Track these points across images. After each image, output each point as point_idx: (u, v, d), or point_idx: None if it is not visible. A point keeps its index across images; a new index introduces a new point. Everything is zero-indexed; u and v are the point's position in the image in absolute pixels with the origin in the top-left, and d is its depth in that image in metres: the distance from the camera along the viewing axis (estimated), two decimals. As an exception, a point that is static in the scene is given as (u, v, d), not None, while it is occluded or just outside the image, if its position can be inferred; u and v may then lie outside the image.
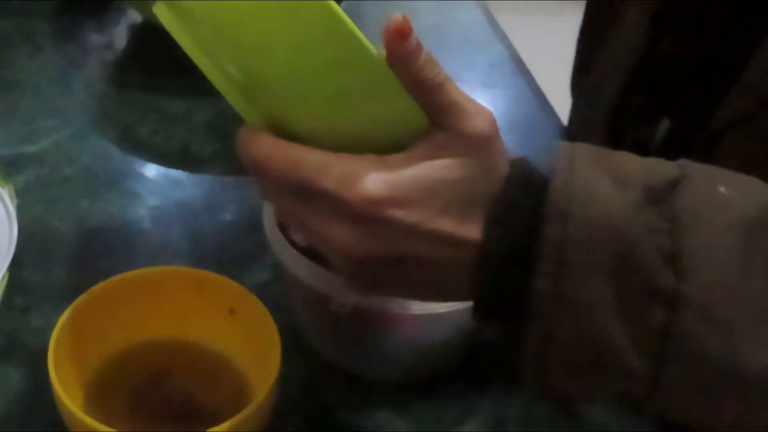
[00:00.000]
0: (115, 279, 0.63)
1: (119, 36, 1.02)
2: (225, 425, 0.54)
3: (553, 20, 2.41)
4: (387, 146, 0.46)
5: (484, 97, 0.98)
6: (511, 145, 0.92)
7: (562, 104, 0.96)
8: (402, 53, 0.44)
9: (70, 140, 0.86)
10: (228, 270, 0.65)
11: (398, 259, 0.46)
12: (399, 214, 0.44)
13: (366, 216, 0.44)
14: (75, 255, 0.74)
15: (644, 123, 0.74)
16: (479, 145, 0.46)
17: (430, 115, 0.46)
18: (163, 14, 0.48)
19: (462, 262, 0.46)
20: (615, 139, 0.78)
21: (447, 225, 0.45)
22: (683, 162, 0.46)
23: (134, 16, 1.03)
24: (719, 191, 0.44)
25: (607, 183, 0.44)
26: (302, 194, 0.46)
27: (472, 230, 0.45)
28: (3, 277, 0.65)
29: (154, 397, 0.62)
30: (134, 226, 0.78)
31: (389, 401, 0.65)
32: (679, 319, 0.42)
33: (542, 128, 0.94)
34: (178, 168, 0.84)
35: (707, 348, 0.43)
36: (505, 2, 0.93)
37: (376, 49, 0.44)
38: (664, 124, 0.72)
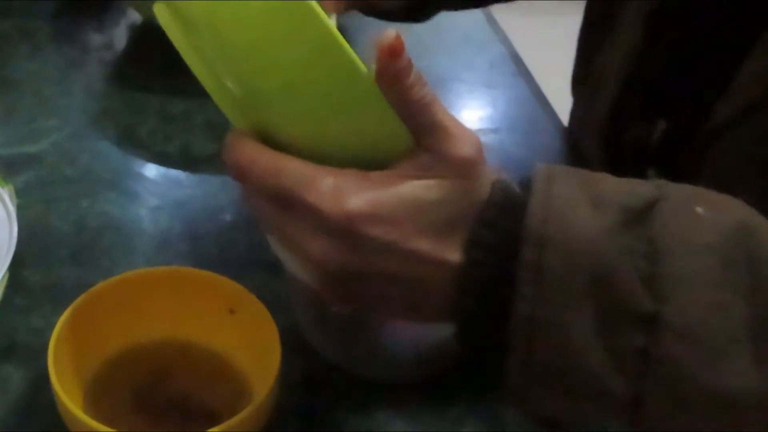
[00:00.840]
0: (115, 279, 0.63)
1: (119, 36, 1.02)
2: (225, 425, 0.54)
3: (553, 20, 2.41)
4: (370, 163, 0.46)
5: (484, 97, 0.98)
6: (511, 145, 0.93)
7: (562, 104, 0.96)
8: (391, 72, 0.44)
9: (70, 140, 0.86)
10: (228, 270, 0.65)
11: (373, 275, 0.46)
12: (377, 231, 0.44)
13: (344, 231, 0.44)
14: (75, 255, 0.74)
15: (641, 124, 0.74)
16: (463, 168, 0.45)
17: (415, 134, 0.46)
18: (162, 14, 0.48)
19: (438, 284, 0.46)
20: (613, 140, 0.78)
21: (425, 245, 0.45)
22: (660, 182, 0.46)
23: (134, 16, 1.03)
24: (696, 212, 0.44)
25: (584, 205, 0.43)
26: (281, 203, 0.46)
27: (450, 252, 0.45)
28: (3, 277, 0.65)
29: (154, 397, 0.62)
30: (134, 226, 0.78)
31: (389, 401, 0.65)
32: (659, 342, 0.42)
33: (542, 128, 0.94)
34: (178, 168, 0.84)
35: (688, 370, 0.43)
36: (506, 2, 0.93)
37: (366, 67, 0.44)
38: (661, 125, 0.72)
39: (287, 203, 0.45)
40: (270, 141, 0.48)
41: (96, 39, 1.01)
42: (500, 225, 0.45)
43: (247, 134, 0.47)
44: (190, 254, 0.75)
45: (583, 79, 0.87)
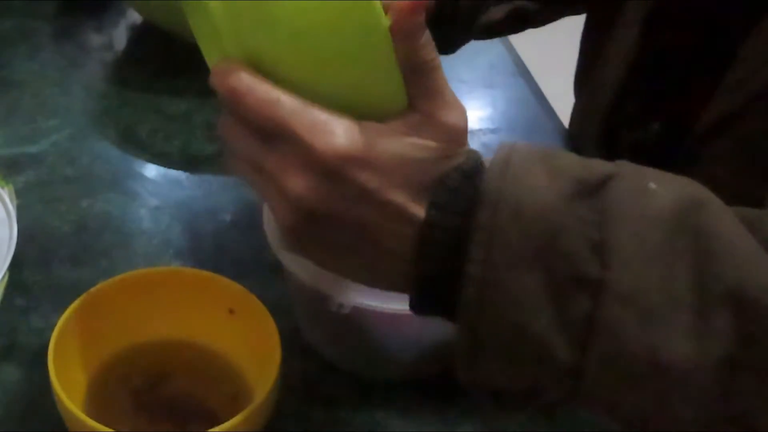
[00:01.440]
0: (115, 279, 0.63)
1: (119, 36, 1.02)
2: (225, 425, 0.54)
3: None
4: (362, 118, 0.46)
5: (484, 97, 0.98)
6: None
7: (562, 104, 0.96)
8: (408, 27, 0.45)
9: (70, 140, 0.86)
10: (228, 270, 0.65)
11: (345, 220, 0.46)
12: (363, 176, 0.45)
13: (331, 169, 0.45)
14: (75, 255, 0.74)
15: (637, 127, 0.75)
16: (450, 135, 0.47)
17: (413, 95, 0.47)
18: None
19: (402, 241, 0.46)
20: (610, 143, 0.78)
21: (400, 198, 0.46)
22: (621, 162, 0.47)
23: (134, 16, 1.03)
24: (649, 187, 0.45)
25: (540, 175, 0.45)
26: (269, 135, 0.46)
27: (419, 209, 0.46)
28: (3, 277, 0.65)
29: (154, 397, 0.62)
30: (134, 226, 0.78)
31: (389, 401, 0.65)
32: (603, 307, 0.43)
33: (542, 128, 0.94)
34: (178, 168, 0.85)
35: (627, 335, 0.43)
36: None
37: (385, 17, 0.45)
38: (654, 128, 0.73)
39: (275, 136, 0.45)
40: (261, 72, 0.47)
41: (96, 39, 1.01)
42: (462, 190, 0.46)
43: (242, 63, 0.46)
44: (190, 254, 0.76)
45: (584, 79, 0.87)
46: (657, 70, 0.73)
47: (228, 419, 0.54)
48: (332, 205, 0.46)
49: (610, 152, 0.80)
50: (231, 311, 0.63)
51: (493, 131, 0.92)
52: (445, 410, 0.65)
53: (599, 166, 0.46)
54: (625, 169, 0.46)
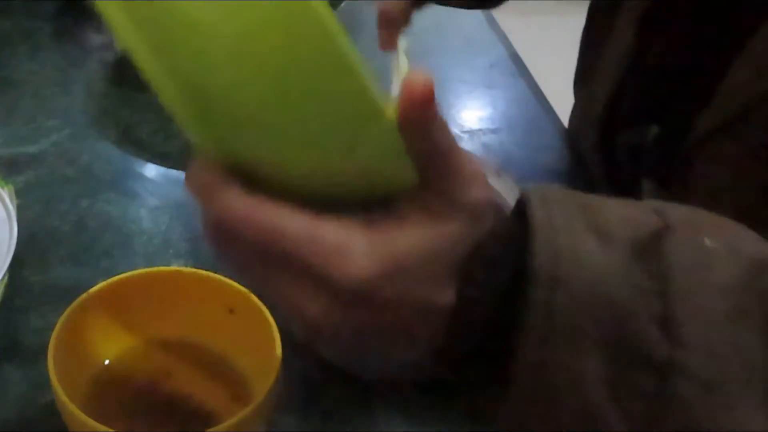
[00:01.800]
0: (115, 279, 0.63)
1: (119, 36, 1.02)
2: (225, 425, 0.54)
3: (553, 20, 2.41)
4: (367, 197, 0.42)
5: (484, 97, 0.98)
6: (511, 145, 0.92)
7: (562, 104, 0.96)
8: (417, 121, 0.40)
9: (70, 140, 0.86)
10: (228, 270, 0.65)
11: (368, 327, 0.43)
12: (386, 290, 0.41)
13: (349, 295, 0.40)
14: (75, 255, 0.74)
15: (634, 128, 0.74)
16: (474, 212, 0.42)
17: (427, 177, 0.42)
18: (113, 13, 0.38)
19: (434, 327, 0.43)
20: (608, 143, 0.78)
21: (428, 291, 0.42)
22: (657, 206, 0.44)
23: (134, 16, 1.03)
24: (705, 245, 0.42)
25: (589, 239, 0.41)
26: (276, 263, 0.41)
27: (449, 293, 0.42)
28: (3, 277, 0.65)
29: (154, 397, 0.62)
30: (134, 226, 0.78)
31: (389, 401, 0.65)
32: (672, 385, 0.41)
33: (542, 128, 0.94)
34: (178, 168, 0.85)
35: (700, 414, 0.41)
36: (505, 2, 0.92)
37: (387, 103, 0.39)
38: (653, 131, 0.72)
39: (284, 264, 0.41)
40: (242, 167, 0.40)
41: (96, 39, 1.01)
42: (499, 262, 0.42)
43: (228, 176, 0.40)
44: (190, 254, 0.75)
45: (583, 80, 0.87)
46: (653, 72, 0.73)
47: (228, 419, 0.54)
48: (354, 322, 0.42)
49: (607, 154, 0.80)
50: (231, 311, 0.63)
51: (493, 131, 0.92)
52: (446, 410, 0.65)
53: (645, 218, 0.43)
54: (671, 218, 0.43)
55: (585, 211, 0.42)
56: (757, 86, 0.62)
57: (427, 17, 1.09)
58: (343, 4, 0.94)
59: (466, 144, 0.89)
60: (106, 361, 0.63)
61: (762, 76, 0.62)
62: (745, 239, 0.44)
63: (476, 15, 1.09)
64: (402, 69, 0.80)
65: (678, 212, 0.44)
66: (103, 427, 0.53)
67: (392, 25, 0.80)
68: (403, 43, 0.81)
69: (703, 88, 0.66)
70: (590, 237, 0.41)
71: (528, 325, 0.41)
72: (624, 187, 0.76)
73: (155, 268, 0.64)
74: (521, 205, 0.43)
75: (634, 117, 0.75)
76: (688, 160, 0.66)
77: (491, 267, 0.42)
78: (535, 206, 0.42)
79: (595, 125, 0.79)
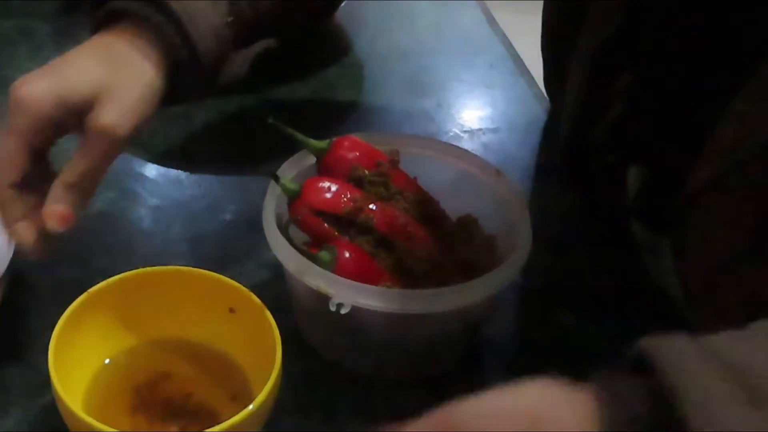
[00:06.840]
0: (115, 279, 0.63)
1: (119, 36, 1.02)
2: (225, 425, 0.54)
3: (553, 20, 2.40)
4: None
5: (484, 97, 0.98)
6: (511, 145, 0.92)
7: (562, 104, 0.96)
8: None
9: (70, 140, 0.86)
10: (228, 270, 0.65)
11: None
12: None
13: None
14: (75, 255, 0.74)
15: (604, 157, 0.73)
16: None
17: None
18: None
19: None
20: (577, 162, 0.77)
21: None
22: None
23: (134, 16, 1.03)
24: None
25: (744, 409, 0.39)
26: None
27: None
28: (3, 277, 0.65)
29: (155, 396, 0.62)
30: (134, 226, 0.78)
31: (389, 401, 0.65)
32: None
33: (542, 128, 0.94)
34: (178, 168, 0.85)
35: None
36: (505, 2, 0.92)
37: None
38: (639, 171, 0.71)
39: None
40: None
41: (96, 39, 1.01)
42: None
43: None
44: (190, 254, 0.76)
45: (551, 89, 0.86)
46: (609, 108, 0.72)
47: (228, 419, 0.54)
48: None
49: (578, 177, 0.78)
50: (231, 311, 0.63)
51: (493, 131, 0.92)
52: (445, 410, 0.65)
53: None
54: None
55: (723, 365, 0.40)
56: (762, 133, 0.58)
57: (427, 17, 1.09)
58: (343, 4, 0.94)
59: (466, 144, 0.89)
60: (107, 361, 0.63)
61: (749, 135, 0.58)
62: None
63: (476, 14, 1.09)
64: None
65: None
66: (103, 427, 0.53)
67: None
68: None
69: (688, 134, 0.64)
70: (744, 408, 0.39)
71: None
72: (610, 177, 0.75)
73: (155, 268, 0.64)
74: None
75: (606, 149, 0.73)
76: (683, 210, 0.63)
77: None
78: (664, 375, 0.40)
79: (564, 144, 0.78)
